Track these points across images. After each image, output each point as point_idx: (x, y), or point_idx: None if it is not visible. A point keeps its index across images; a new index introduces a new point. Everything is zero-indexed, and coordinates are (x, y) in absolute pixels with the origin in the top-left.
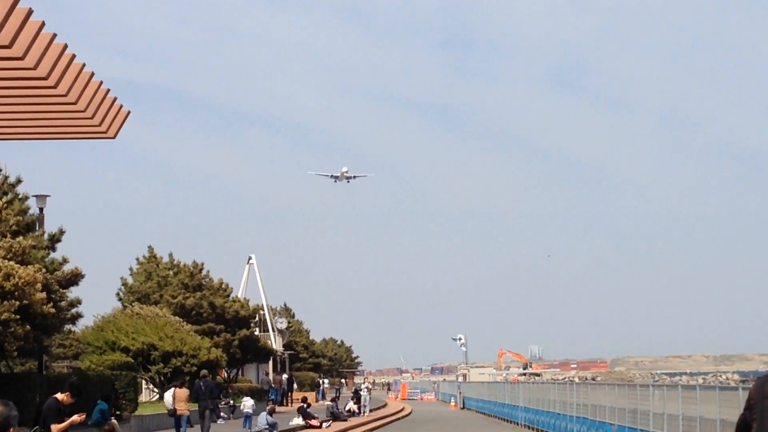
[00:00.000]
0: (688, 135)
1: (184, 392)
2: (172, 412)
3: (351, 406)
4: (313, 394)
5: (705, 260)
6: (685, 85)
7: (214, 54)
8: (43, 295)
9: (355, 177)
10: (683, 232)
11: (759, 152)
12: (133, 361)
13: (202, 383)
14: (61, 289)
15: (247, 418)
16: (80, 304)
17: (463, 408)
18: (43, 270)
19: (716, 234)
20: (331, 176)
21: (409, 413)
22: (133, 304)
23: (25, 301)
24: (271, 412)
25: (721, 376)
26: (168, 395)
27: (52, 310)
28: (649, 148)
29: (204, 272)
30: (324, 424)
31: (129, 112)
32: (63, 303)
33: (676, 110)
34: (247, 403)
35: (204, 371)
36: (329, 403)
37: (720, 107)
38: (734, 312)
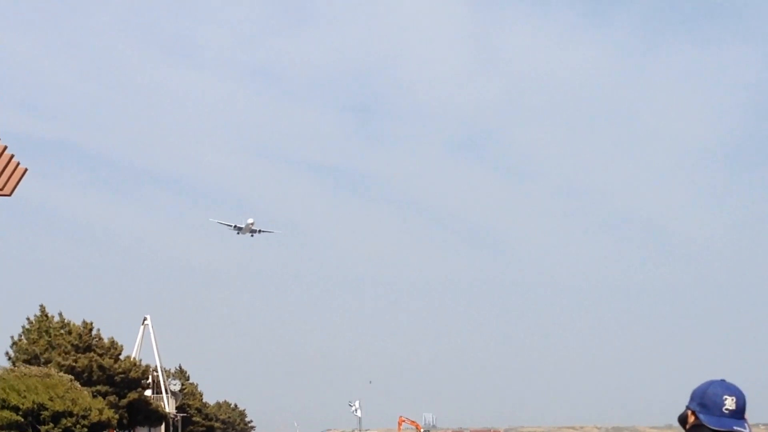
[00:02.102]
0: (586, 206)
1: None
2: None
3: None
4: None
5: (599, 331)
6: (584, 157)
7: (117, 111)
8: None
9: (260, 231)
10: (579, 302)
11: (655, 225)
12: (22, 420)
13: None
14: None
15: None
16: None
17: None
18: None
19: (611, 306)
20: (235, 227)
21: None
22: (22, 363)
23: None
24: None
25: None
26: None
27: None
28: (548, 218)
29: (94, 332)
30: None
31: (26, 170)
32: None
33: (574, 181)
34: None
35: None
36: None
37: (618, 181)
38: (627, 384)
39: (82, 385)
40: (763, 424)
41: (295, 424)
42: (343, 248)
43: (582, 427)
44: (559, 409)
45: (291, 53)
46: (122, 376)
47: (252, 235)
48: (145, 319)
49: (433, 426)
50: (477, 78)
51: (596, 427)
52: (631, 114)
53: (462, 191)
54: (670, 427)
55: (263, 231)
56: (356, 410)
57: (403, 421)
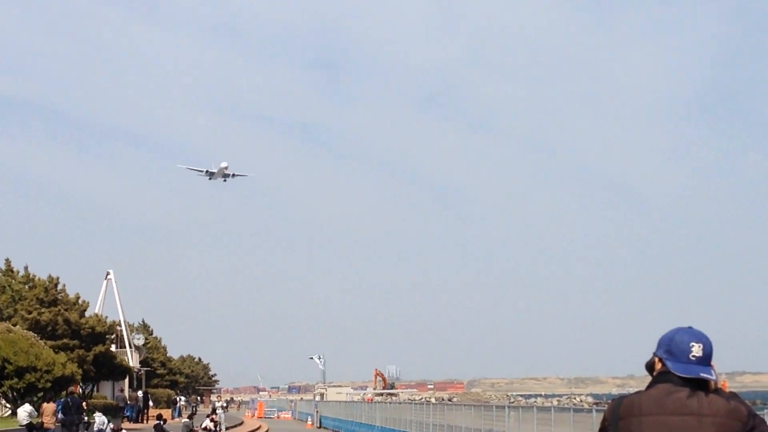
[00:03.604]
0: (551, 160)
1: (51, 406)
2: (31, 427)
3: (207, 423)
4: (170, 411)
5: (561, 284)
6: (548, 111)
7: (81, 68)
8: None
9: (233, 175)
10: (542, 255)
11: (618, 178)
12: None
13: (70, 399)
14: None
15: None
16: None
17: (320, 427)
18: None
19: (574, 260)
20: (207, 172)
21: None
22: None
23: None
24: (117, 430)
25: (575, 398)
26: (22, 411)
27: None
28: (514, 173)
29: (60, 287)
30: None
31: None
32: None
33: (539, 135)
34: (98, 420)
35: (71, 387)
36: (186, 420)
37: (582, 135)
38: (588, 336)
39: (47, 339)
40: (726, 373)
41: (259, 378)
42: (308, 204)
43: (545, 378)
44: (521, 360)
45: (256, 10)
46: (88, 330)
47: (225, 180)
48: (108, 273)
49: (397, 379)
50: (442, 33)
51: (559, 378)
52: (595, 68)
53: (428, 146)
54: (631, 376)
55: (237, 175)
56: (320, 364)
57: (378, 373)
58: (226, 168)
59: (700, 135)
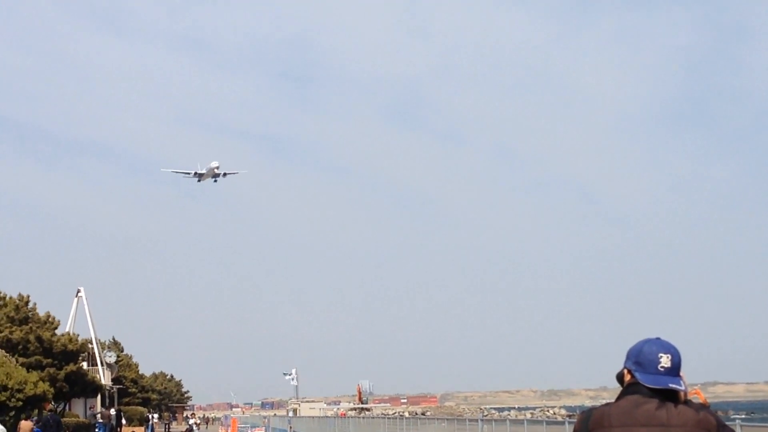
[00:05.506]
0: (521, 171)
1: (28, 425)
2: None
3: None
4: (142, 429)
5: (533, 295)
6: (517, 121)
7: (47, 80)
8: None
9: (225, 174)
10: (513, 268)
11: (587, 188)
12: None
13: (51, 417)
14: None
15: None
16: None
17: None
18: None
19: (546, 272)
20: (195, 174)
21: None
22: None
23: None
24: None
25: (548, 410)
26: None
27: None
28: (482, 183)
29: (30, 305)
30: None
31: None
32: None
33: (508, 145)
34: None
35: (51, 406)
36: None
37: (551, 145)
38: (561, 348)
39: (19, 357)
40: (700, 384)
41: (232, 394)
42: (280, 218)
43: (518, 391)
44: (494, 373)
45: (225, 22)
46: (60, 348)
47: (215, 180)
48: (78, 291)
49: (370, 393)
50: (410, 44)
51: (532, 391)
52: (563, 78)
53: (398, 158)
54: (604, 388)
55: (228, 173)
56: (293, 379)
57: (361, 388)
58: (216, 168)
59: (670, 145)
